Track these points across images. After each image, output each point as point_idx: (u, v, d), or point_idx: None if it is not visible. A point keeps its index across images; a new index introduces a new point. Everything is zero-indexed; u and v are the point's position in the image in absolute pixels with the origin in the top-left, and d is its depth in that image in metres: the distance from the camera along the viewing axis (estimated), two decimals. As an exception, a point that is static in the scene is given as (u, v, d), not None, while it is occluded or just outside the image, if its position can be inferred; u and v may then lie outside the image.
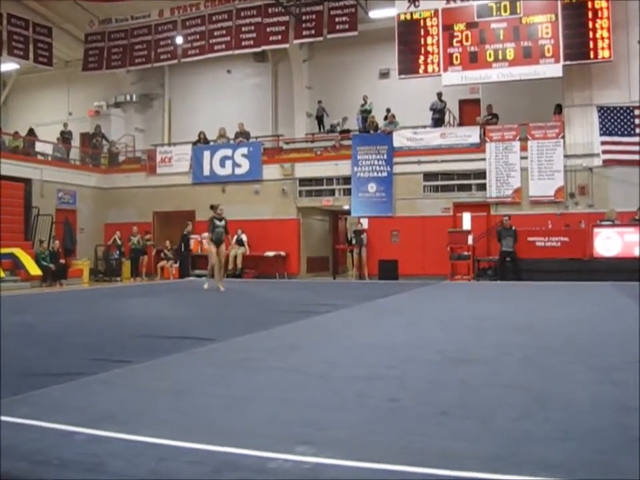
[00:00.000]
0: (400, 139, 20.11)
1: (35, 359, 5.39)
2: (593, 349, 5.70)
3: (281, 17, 21.15)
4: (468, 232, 18.53)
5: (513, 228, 17.36)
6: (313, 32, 20.83)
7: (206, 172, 22.31)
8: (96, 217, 23.48)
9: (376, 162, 20.18)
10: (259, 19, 21.51)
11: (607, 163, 17.98)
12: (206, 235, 14.70)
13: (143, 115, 26.72)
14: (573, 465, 2.58)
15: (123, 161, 25.02)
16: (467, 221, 19.03)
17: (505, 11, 18.73)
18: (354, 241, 20.32)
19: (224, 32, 21.99)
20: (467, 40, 19.08)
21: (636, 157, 17.43)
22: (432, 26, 19.45)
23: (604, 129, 17.86)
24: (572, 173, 18.43)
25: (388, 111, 20.77)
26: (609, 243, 16.84)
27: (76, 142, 25.45)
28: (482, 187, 19.20)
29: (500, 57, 18.69)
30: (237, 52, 22.12)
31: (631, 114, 17.74)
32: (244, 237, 20.83)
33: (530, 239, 17.35)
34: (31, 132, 24.01)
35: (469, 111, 21.52)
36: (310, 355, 5.52)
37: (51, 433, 3.10)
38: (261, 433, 3.07)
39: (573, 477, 2.46)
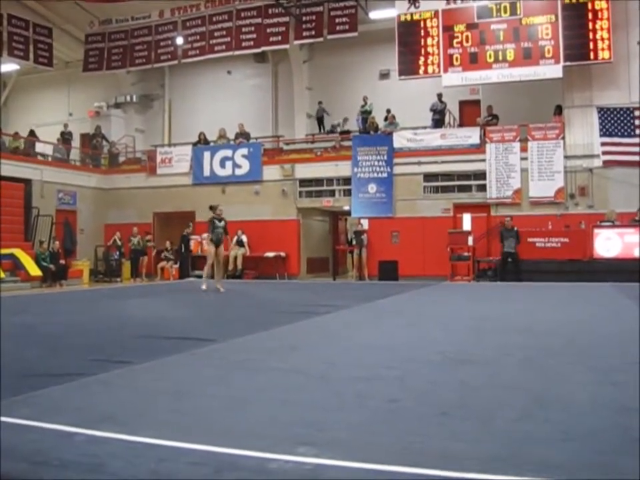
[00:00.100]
0: (400, 139, 20.11)
1: (34, 360, 5.38)
2: (593, 350, 5.70)
3: (281, 17, 21.16)
4: (468, 233, 18.54)
5: (515, 229, 17.35)
6: (313, 33, 20.83)
7: (206, 173, 22.31)
8: (96, 217, 23.47)
9: (376, 163, 20.18)
10: (259, 20, 21.52)
11: (607, 163, 17.98)
12: (206, 235, 14.68)
13: (143, 115, 26.73)
14: (573, 466, 2.58)
15: (123, 161, 25.03)
16: (467, 221, 19.03)
17: (505, 11, 18.74)
18: (354, 242, 20.34)
19: (224, 32, 21.99)
20: (467, 41, 19.08)
21: (636, 157, 17.43)
22: (432, 27, 19.45)
23: (604, 129, 17.86)
24: (572, 174, 18.43)
25: (388, 111, 20.77)
26: (609, 243, 16.85)
27: (76, 142, 25.46)
28: (482, 188, 19.20)
29: (500, 58, 18.69)
30: (237, 53, 22.12)
31: (631, 115, 17.75)
32: (244, 238, 20.83)
33: (530, 239, 17.35)
34: (32, 133, 24.01)
35: (469, 111, 21.53)
36: (310, 356, 5.52)
37: (51, 433, 3.10)
38: (261, 433, 3.07)
39: (573, 478, 2.46)
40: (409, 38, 19.66)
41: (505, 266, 17.37)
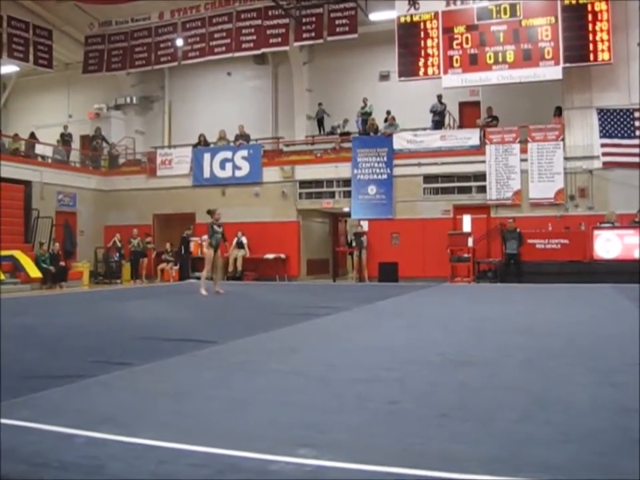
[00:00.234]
0: (400, 141, 20.12)
1: (35, 362, 5.39)
2: (593, 351, 5.70)
3: (281, 19, 21.16)
4: (468, 234, 18.54)
5: (518, 230, 17.34)
6: (313, 34, 20.84)
7: (206, 174, 22.31)
8: (96, 219, 23.47)
9: (376, 164, 20.18)
10: (259, 22, 21.53)
11: (606, 165, 17.99)
12: (205, 237, 14.67)
13: (143, 117, 26.74)
14: (574, 467, 2.58)
15: (123, 163, 25.04)
16: (467, 223, 19.03)
17: (505, 13, 18.74)
18: (354, 244, 20.35)
19: (224, 34, 22.00)
20: (466, 42, 19.09)
21: (636, 159, 17.44)
22: (432, 28, 19.46)
23: (604, 131, 17.86)
24: (572, 175, 18.43)
25: (388, 113, 20.78)
26: (608, 245, 16.85)
27: (76, 144, 25.46)
28: (482, 189, 19.20)
29: (500, 60, 18.69)
30: (237, 54, 22.12)
31: (631, 116, 17.75)
32: (244, 240, 20.83)
33: (530, 241, 17.36)
34: (32, 136, 24.00)
35: (469, 113, 21.54)
36: (310, 358, 5.52)
37: (51, 435, 3.11)
38: (261, 435, 3.07)
39: (573, 479, 2.46)
40: (409, 39, 19.66)
41: (508, 267, 17.36)
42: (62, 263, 19.38)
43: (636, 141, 17.56)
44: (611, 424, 3.21)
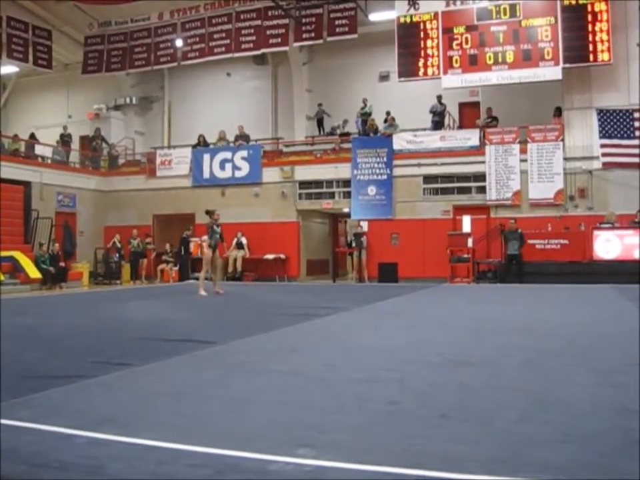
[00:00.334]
0: (400, 141, 20.12)
1: (35, 362, 5.39)
2: (593, 352, 5.70)
3: (281, 19, 21.17)
4: (468, 234, 18.55)
5: (519, 231, 17.33)
6: (312, 35, 20.85)
7: (206, 175, 22.32)
8: (96, 219, 23.48)
9: (376, 165, 20.19)
10: (258, 22, 21.53)
11: (606, 165, 17.99)
12: (205, 237, 14.66)
13: (143, 117, 26.73)
14: (574, 468, 2.58)
15: (123, 163, 25.04)
16: (466, 223, 19.04)
17: (505, 13, 18.75)
18: (354, 244, 20.36)
19: (224, 35, 22.00)
20: (466, 43, 19.10)
21: (635, 159, 17.45)
22: (432, 29, 19.47)
23: (603, 131, 17.87)
24: (571, 176, 18.44)
25: (388, 113, 20.78)
26: (608, 245, 16.85)
27: (75, 145, 25.46)
28: (482, 190, 19.20)
29: (500, 60, 18.70)
30: (236, 55, 22.12)
31: (631, 117, 17.76)
32: (244, 240, 20.83)
33: (530, 241, 17.36)
34: (32, 137, 23.99)
35: (469, 113, 21.54)
36: (310, 358, 5.52)
37: (51, 435, 3.10)
38: (261, 435, 3.07)
39: (573, 479, 2.46)
40: (409, 40, 19.67)
41: (509, 268, 17.36)
42: (62, 264, 19.39)
43: (635, 142, 17.57)
44: (611, 424, 3.20)
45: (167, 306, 11.81)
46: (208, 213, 13.96)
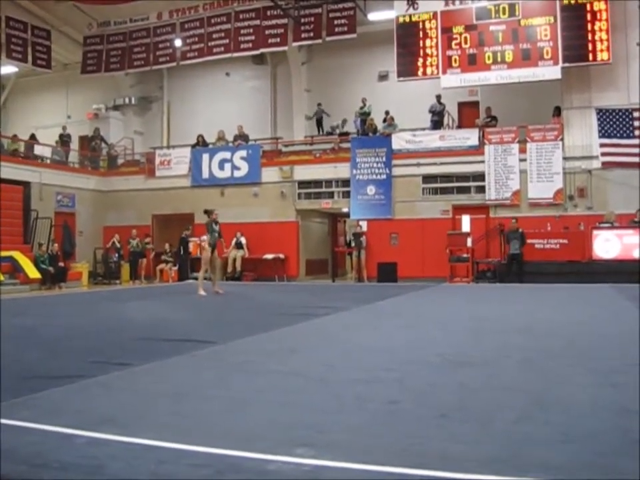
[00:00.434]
0: (399, 141, 20.13)
1: (34, 362, 5.38)
2: (593, 352, 5.70)
3: (280, 19, 21.17)
4: (467, 234, 18.55)
5: (520, 230, 17.33)
6: (311, 34, 20.84)
7: (205, 175, 22.31)
8: (95, 219, 23.47)
9: (375, 164, 20.19)
10: (257, 22, 21.53)
11: (605, 165, 18.00)
12: (204, 237, 14.67)
13: (142, 117, 26.72)
14: (573, 467, 2.58)
15: (122, 163, 25.04)
16: (466, 223, 19.05)
17: (504, 13, 18.75)
18: (353, 244, 20.37)
19: (223, 34, 21.99)
20: (465, 42, 19.10)
21: (635, 159, 17.44)
22: (431, 28, 19.47)
23: (603, 131, 17.87)
24: (571, 175, 18.44)
25: (387, 113, 20.78)
26: (607, 245, 16.86)
27: (75, 145, 25.46)
28: (481, 190, 19.21)
29: (499, 59, 18.70)
30: (235, 55, 22.12)
31: (630, 116, 17.76)
32: (243, 240, 20.83)
33: (529, 241, 17.36)
34: (33, 137, 23.97)
35: (468, 113, 21.53)
36: (309, 358, 5.52)
37: (51, 435, 3.11)
38: (261, 435, 3.07)
39: (572, 479, 2.46)
40: (408, 39, 19.67)
41: (510, 268, 17.36)
42: (61, 264, 19.38)
43: (635, 141, 17.57)
44: (611, 424, 3.21)
45: (167, 306, 11.81)
46: (206, 212, 13.96)
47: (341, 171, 20.75)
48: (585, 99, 18.50)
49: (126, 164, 24.96)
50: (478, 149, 19.26)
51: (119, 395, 4.10)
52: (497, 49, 18.77)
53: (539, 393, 3.97)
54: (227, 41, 21.90)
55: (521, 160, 18.82)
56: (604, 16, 17.75)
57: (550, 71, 18.25)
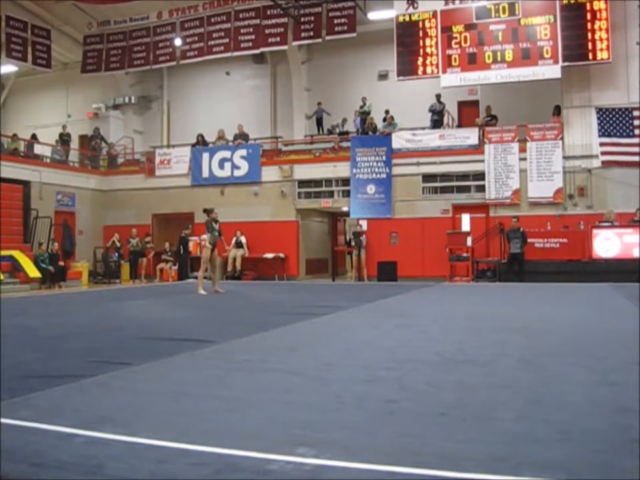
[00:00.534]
0: (399, 140, 20.13)
1: (34, 361, 5.38)
2: (592, 350, 5.70)
3: (280, 18, 21.16)
4: (467, 233, 18.56)
5: (521, 229, 17.33)
6: (311, 33, 20.83)
7: (205, 174, 22.32)
8: (95, 219, 23.49)
9: (375, 163, 20.19)
10: (257, 21, 21.53)
11: (605, 164, 18.00)
12: (204, 236, 14.67)
13: (142, 117, 26.73)
14: (572, 466, 2.58)
15: (122, 163, 25.03)
16: (465, 222, 19.06)
17: (504, 12, 18.75)
18: (353, 243, 20.36)
19: (222, 34, 21.99)
20: (465, 41, 19.10)
21: (635, 158, 17.46)
22: (430, 27, 19.47)
23: (603, 130, 17.88)
24: (571, 174, 18.44)
25: (387, 112, 20.79)
26: (607, 244, 16.86)
27: (75, 144, 25.46)
28: (481, 189, 19.21)
29: (499, 59, 18.71)
30: (235, 54, 22.11)
31: (630, 115, 17.76)
32: (243, 239, 20.83)
33: (529, 240, 17.36)
34: (34, 137, 23.95)
35: (468, 112, 21.54)
36: (309, 357, 5.52)
37: (50, 435, 3.11)
38: (260, 434, 3.07)
39: (571, 478, 2.46)
40: (408, 39, 19.67)
41: (512, 267, 17.36)
42: (61, 263, 19.38)
43: (635, 140, 17.58)
44: (610, 423, 3.21)
45: (167, 305, 11.81)
46: (206, 211, 13.96)
47: (341, 170, 20.76)
48: (585, 98, 18.50)
49: (126, 163, 24.96)
50: (478, 148, 19.27)
51: (118, 394, 4.10)
52: (496, 48, 18.77)
53: (538, 392, 3.98)
54: (227, 40, 21.89)
55: (521, 159, 18.82)
56: (604, 15, 17.75)
57: (550, 70, 18.25)
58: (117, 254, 21.87)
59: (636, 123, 17.74)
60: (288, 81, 24.16)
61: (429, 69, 19.47)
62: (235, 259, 20.59)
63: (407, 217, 19.73)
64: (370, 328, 7.68)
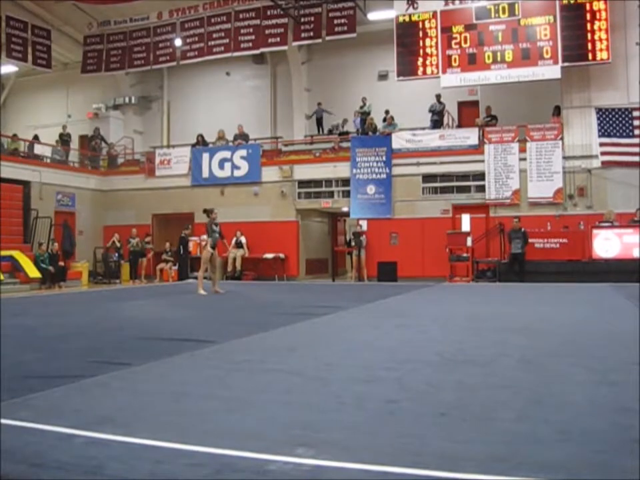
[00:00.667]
0: (399, 140, 20.13)
1: (34, 362, 5.38)
2: (592, 350, 5.70)
3: (280, 19, 21.17)
4: (467, 233, 18.56)
5: (522, 230, 17.32)
6: (311, 34, 20.85)
7: (205, 174, 22.32)
8: (95, 219, 23.49)
9: (375, 164, 20.19)
10: (257, 21, 21.53)
11: (605, 164, 18.00)
12: (204, 237, 14.67)
13: (142, 117, 26.74)
14: (572, 466, 2.58)
15: (122, 163, 25.03)
16: (465, 222, 19.06)
17: (504, 12, 18.75)
18: (353, 243, 20.37)
19: (223, 34, 21.99)
20: (465, 42, 19.10)
21: (634, 158, 17.47)
22: (430, 28, 19.48)
23: (602, 130, 17.88)
24: (571, 175, 18.45)
25: (387, 112, 20.79)
26: (607, 244, 16.86)
27: (75, 144, 25.46)
28: (481, 189, 19.21)
29: (498, 59, 18.71)
30: (235, 54, 22.12)
31: (629, 115, 17.77)
32: (243, 239, 20.83)
33: (529, 240, 17.35)
34: (35, 138, 23.94)
35: (468, 112, 21.54)
36: (309, 357, 5.52)
37: (50, 435, 3.11)
38: (260, 434, 3.07)
39: (571, 478, 2.46)
40: (408, 39, 19.68)
41: (513, 267, 17.36)
42: (61, 263, 19.38)
43: (635, 140, 17.59)
44: (610, 423, 3.21)
45: (166, 305, 11.81)
46: (206, 211, 13.94)
47: (341, 170, 20.76)
48: (585, 98, 18.51)
49: (126, 163, 24.97)
50: (478, 148, 19.27)
51: (118, 394, 4.10)
52: (496, 48, 18.77)
53: (538, 392, 3.98)
54: (227, 40, 21.90)
55: (521, 159, 18.83)
56: (603, 15, 17.76)
57: (550, 70, 18.25)
58: (117, 254, 21.87)
59: (636, 123, 17.75)
60: (288, 81, 24.16)
61: (428, 69, 19.47)
62: (234, 259, 20.59)
63: (407, 217, 19.73)
64: (370, 328, 7.68)
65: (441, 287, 16.15)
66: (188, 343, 6.21)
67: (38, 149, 23.13)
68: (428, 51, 19.46)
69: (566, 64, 18.12)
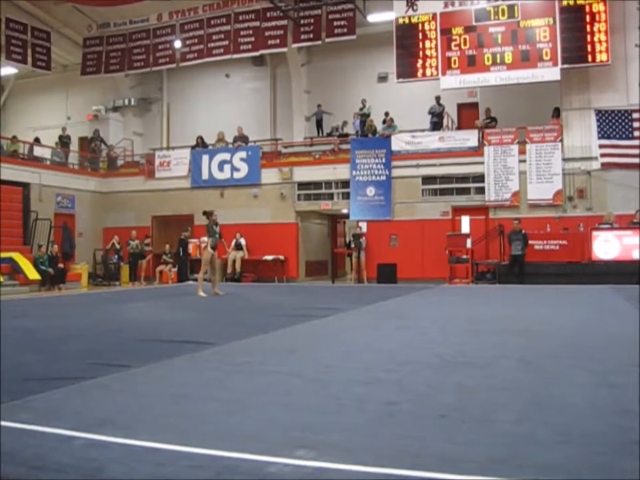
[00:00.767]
0: (398, 142, 20.14)
1: (33, 364, 5.38)
2: (592, 352, 5.70)
3: (280, 21, 21.17)
4: (467, 235, 18.55)
5: (523, 232, 17.32)
6: (311, 36, 20.86)
7: (204, 176, 22.32)
8: (94, 221, 23.48)
9: (374, 166, 20.20)
10: (257, 23, 21.54)
11: (605, 166, 18.01)
12: (204, 239, 14.67)
13: (142, 119, 26.74)
14: (572, 468, 2.58)
15: (122, 165, 25.05)
16: (465, 224, 19.05)
17: (503, 14, 18.76)
18: (353, 245, 20.37)
19: (222, 36, 22.00)
20: (465, 44, 19.11)
21: (634, 160, 17.47)
22: (430, 30, 19.49)
23: (602, 132, 17.89)
24: (570, 176, 18.45)
25: (386, 114, 20.80)
26: (607, 246, 16.87)
27: (74, 146, 25.47)
28: (480, 191, 19.22)
29: (498, 61, 18.72)
30: (235, 56, 22.12)
31: (629, 117, 17.78)
32: (243, 241, 20.82)
33: (529, 242, 17.35)
34: (37, 141, 23.94)
35: (467, 114, 21.55)
36: (309, 359, 5.52)
37: (50, 437, 3.10)
38: (260, 436, 3.07)
39: (571, 479, 2.47)
40: (407, 41, 19.69)
41: (513, 268, 17.35)
42: (60, 265, 19.37)
43: (634, 142, 17.60)
44: (610, 425, 3.21)
45: (166, 307, 11.81)
46: (205, 213, 13.93)
47: (341, 172, 20.77)
48: (584, 100, 18.52)
49: (125, 165, 24.98)
50: (477, 150, 19.28)
51: (118, 396, 4.10)
52: (496, 50, 18.78)
53: (538, 394, 3.98)
54: (227, 42, 21.90)
55: (521, 161, 18.83)
56: (603, 17, 17.78)
57: (549, 72, 18.26)
58: (116, 256, 21.85)
59: (635, 125, 17.76)
60: (288, 83, 24.18)
61: (428, 71, 19.48)
62: (234, 261, 20.59)
63: (407, 219, 19.74)
64: (370, 330, 7.67)
65: (441, 289, 16.15)
66: (188, 345, 6.21)
67: (37, 151, 23.14)
68: (427, 52, 19.47)
69: (565, 66, 18.13)
